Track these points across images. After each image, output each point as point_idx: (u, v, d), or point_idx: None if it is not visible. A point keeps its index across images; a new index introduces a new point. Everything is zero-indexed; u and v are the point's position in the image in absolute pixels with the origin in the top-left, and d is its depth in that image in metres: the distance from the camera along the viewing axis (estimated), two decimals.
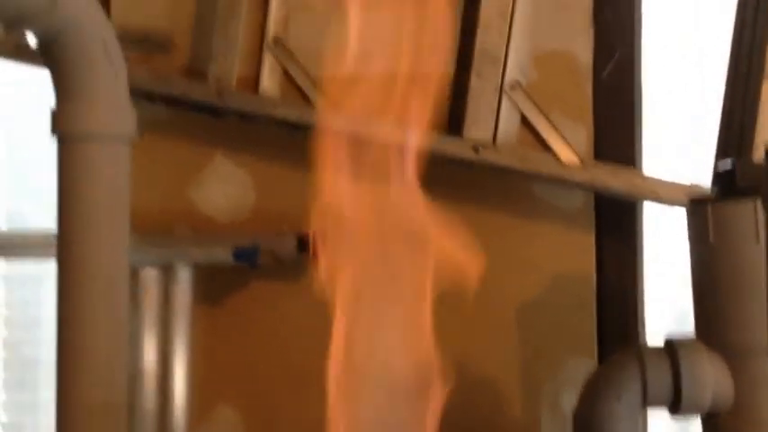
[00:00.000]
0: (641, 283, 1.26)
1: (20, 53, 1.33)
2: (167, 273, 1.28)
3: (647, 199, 1.21)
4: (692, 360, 0.79)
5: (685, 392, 0.78)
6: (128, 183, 0.88)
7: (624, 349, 0.83)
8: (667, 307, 1.38)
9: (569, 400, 1.25)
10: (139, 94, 1.22)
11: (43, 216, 1.63)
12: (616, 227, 1.26)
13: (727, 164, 0.86)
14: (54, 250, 0.88)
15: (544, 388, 1.27)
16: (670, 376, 0.79)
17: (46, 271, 1.76)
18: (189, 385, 1.31)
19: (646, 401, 0.79)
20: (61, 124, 0.83)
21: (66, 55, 0.81)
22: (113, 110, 0.85)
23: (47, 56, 0.81)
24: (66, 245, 0.87)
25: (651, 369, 0.79)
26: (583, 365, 1.23)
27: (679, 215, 1.16)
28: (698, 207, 0.84)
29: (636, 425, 0.82)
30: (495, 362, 1.27)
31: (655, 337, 1.31)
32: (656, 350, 0.81)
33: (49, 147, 0.88)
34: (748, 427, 0.79)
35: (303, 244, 1.24)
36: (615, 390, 0.79)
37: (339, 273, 1.24)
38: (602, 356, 1.24)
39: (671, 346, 0.80)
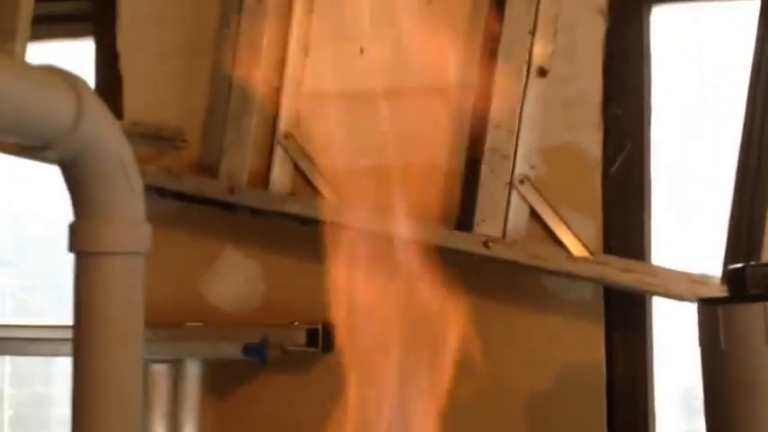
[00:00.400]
0: (651, 375, 1.26)
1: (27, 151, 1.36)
2: (177, 367, 1.29)
3: (656, 294, 1.21)
4: None
5: None
6: (141, 293, 0.89)
7: None
8: (677, 398, 1.38)
9: None
10: (151, 189, 1.24)
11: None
12: (625, 319, 1.26)
13: (737, 267, 0.87)
14: (65, 347, 0.89)
15: None
16: None
17: (54, 370, 1.76)
18: None
19: None
20: (79, 243, 0.85)
21: (84, 175, 0.82)
22: (130, 227, 0.86)
23: (65, 176, 0.83)
24: (82, 354, 0.88)
25: None
26: None
27: (688, 309, 1.18)
28: (708, 308, 0.84)
29: None
30: None
31: (665, 429, 1.31)
32: None
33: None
34: None
35: (312, 337, 1.25)
36: None
37: (353, 364, 1.25)
38: None
39: None
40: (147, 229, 0.87)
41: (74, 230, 0.86)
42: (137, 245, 0.85)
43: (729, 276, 0.91)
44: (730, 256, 1.08)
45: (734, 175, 1.14)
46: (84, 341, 0.87)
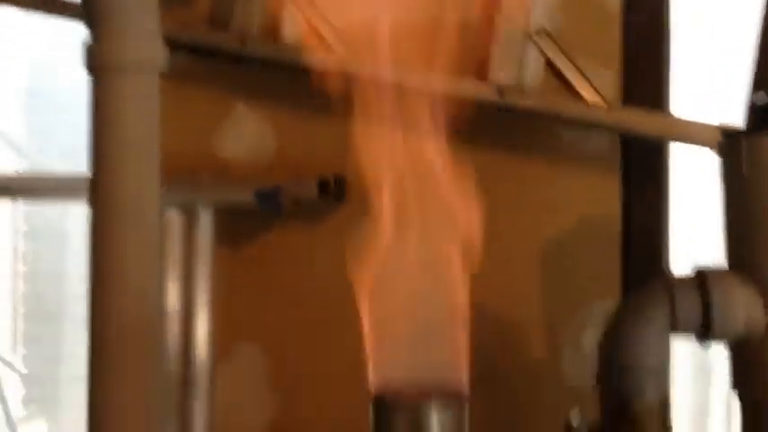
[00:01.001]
0: (667, 226, 1.27)
1: (48, 5, 1.35)
2: (189, 216, 1.29)
3: (676, 140, 1.21)
4: (723, 287, 0.79)
5: (716, 319, 0.79)
6: (158, 112, 0.89)
7: (653, 280, 0.84)
8: (693, 249, 1.38)
9: (592, 342, 1.26)
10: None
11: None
12: (643, 169, 1.26)
13: (761, 97, 0.86)
14: (78, 194, 0.89)
15: (567, 329, 1.28)
16: (700, 303, 0.79)
17: (68, 224, 1.78)
18: (211, 326, 1.33)
19: (674, 327, 0.80)
20: (95, 57, 0.84)
21: None
22: (145, 42, 0.86)
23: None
24: (100, 173, 0.87)
25: (680, 294, 0.79)
26: (606, 307, 1.24)
27: (707, 157, 1.17)
28: (731, 141, 0.84)
29: (663, 352, 0.83)
30: (519, 304, 1.28)
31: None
32: (685, 278, 0.81)
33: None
34: None
35: (324, 188, 1.25)
36: (643, 315, 0.80)
37: (372, 216, 1.25)
38: None
39: (701, 275, 0.81)
40: (162, 44, 0.87)
41: (90, 48, 0.85)
42: (152, 60, 0.85)
43: (753, 105, 0.90)
44: (755, 93, 1.07)
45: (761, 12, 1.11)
46: (100, 162, 0.87)
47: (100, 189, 0.87)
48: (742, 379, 0.83)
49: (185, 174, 1.33)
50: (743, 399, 0.84)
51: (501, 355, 1.27)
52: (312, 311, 1.34)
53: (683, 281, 0.80)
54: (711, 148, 1.07)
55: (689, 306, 0.79)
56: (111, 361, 0.74)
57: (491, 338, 1.27)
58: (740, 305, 0.79)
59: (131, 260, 0.84)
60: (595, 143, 1.25)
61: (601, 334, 0.82)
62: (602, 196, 1.26)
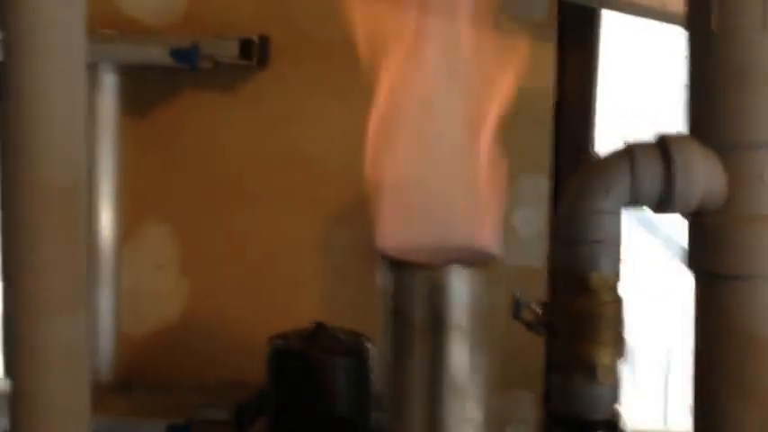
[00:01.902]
0: (595, 99, 1.23)
1: None
2: (89, 77, 1.17)
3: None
4: (685, 154, 0.74)
5: (678, 187, 0.74)
6: None
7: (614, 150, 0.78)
8: (629, 121, 1.35)
9: (520, 217, 1.23)
10: None
11: None
12: (578, 39, 1.21)
13: None
14: None
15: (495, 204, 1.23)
16: (661, 171, 0.74)
17: None
18: (116, 201, 1.23)
19: (634, 197, 0.75)
20: None
21: None
22: None
23: None
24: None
25: (642, 162, 0.74)
26: (536, 181, 1.20)
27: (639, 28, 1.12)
28: None
29: (619, 224, 0.79)
30: (447, 178, 1.23)
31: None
32: (647, 145, 0.76)
33: None
34: (739, 223, 0.76)
35: (247, 49, 1.15)
36: (603, 184, 0.75)
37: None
38: (557, 172, 1.21)
39: (663, 141, 0.76)
40: None
41: None
42: None
43: None
44: None
45: None
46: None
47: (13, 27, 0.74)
48: (698, 251, 0.80)
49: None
50: (698, 273, 0.80)
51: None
52: (228, 189, 1.25)
53: (644, 148, 0.75)
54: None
55: (651, 175, 0.74)
56: (31, 235, 0.64)
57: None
58: (702, 174, 0.75)
59: (54, 121, 0.73)
60: (531, 11, 1.19)
61: (560, 207, 0.77)
62: (537, 67, 1.20)
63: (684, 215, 0.79)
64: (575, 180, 0.78)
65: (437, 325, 0.43)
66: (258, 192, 1.24)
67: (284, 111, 1.22)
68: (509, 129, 1.25)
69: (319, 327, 0.72)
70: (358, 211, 1.24)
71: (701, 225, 0.77)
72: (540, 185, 1.20)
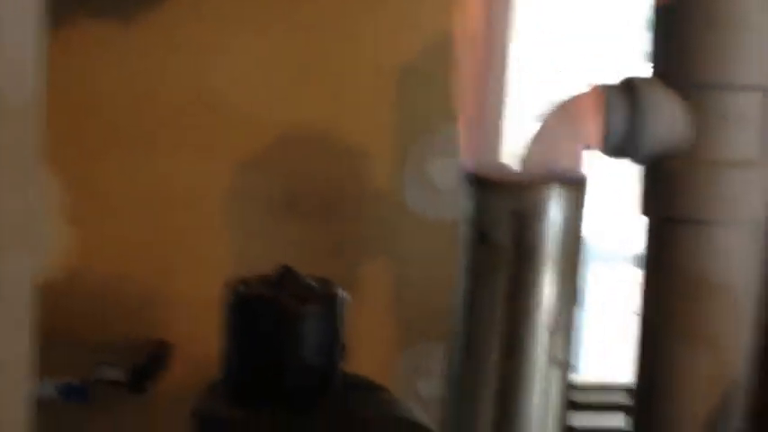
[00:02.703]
0: (509, 42, 1.20)
1: None
2: None
3: None
4: (652, 97, 0.73)
5: (643, 131, 0.73)
6: None
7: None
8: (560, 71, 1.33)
9: (438, 169, 1.20)
10: None
11: None
12: None
13: None
14: None
15: (413, 155, 1.20)
16: (629, 114, 0.73)
17: None
18: None
19: (602, 143, 0.73)
20: None
21: None
22: None
23: None
24: None
25: (611, 106, 0.72)
26: (454, 129, 1.17)
27: None
28: None
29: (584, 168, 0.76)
30: (363, 127, 1.18)
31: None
32: (614, 87, 0.74)
33: None
34: (702, 167, 0.75)
35: None
36: (572, 128, 0.72)
37: None
38: None
39: (629, 84, 0.74)
40: None
41: None
42: None
43: None
44: None
45: None
46: None
47: None
48: (655, 197, 0.78)
49: None
50: (653, 219, 0.79)
51: (348, 181, 1.18)
52: (126, 132, 1.16)
53: (611, 90, 0.73)
54: None
55: (618, 121, 0.72)
56: None
57: (338, 165, 1.17)
58: (668, 117, 0.73)
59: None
60: None
61: (524, 148, 0.74)
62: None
63: (644, 161, 0.78)
64: (542, 124, 0.75)
65: (528, 252, 0.39)
66: (160, 134, 1.15)
67: (191, 43, 1.13)
68: (433, 77, 1.22)
69: (286, 272, 0.67)
70: (273, 156, 1.18)
71: (661, 170, 0.76)
72: (458, 133, 1.17)
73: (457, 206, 1.16)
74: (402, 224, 1.19)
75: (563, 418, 0.41)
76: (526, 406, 0.38)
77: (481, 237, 0.39)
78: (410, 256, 1.19)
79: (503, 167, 0.43)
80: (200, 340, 1.15)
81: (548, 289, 0.38)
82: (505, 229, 0.38)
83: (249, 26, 1.13)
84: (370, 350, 1.18)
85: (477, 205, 0.40)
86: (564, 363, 0.39)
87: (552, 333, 0.38)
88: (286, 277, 0.66)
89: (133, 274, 1.18)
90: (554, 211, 0.39)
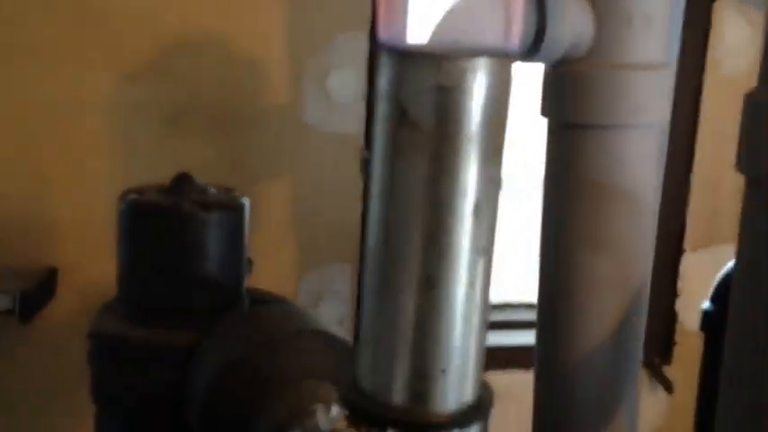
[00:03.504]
0: None
1: None
2: None
3: None
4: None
5: (549, 31, 0.71)
6: None
7: None
8: None
9: (337, 81, 1.16)
10: None
11: None
12: None
13: None
14: None
15: (310, 67, 1.15)
16: (534, 13, 0.71)
17: None
18: None
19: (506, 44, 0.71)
20: None
21: None
22: None
23: None
24: None
25: (515, 7, 0.70)
26: (354, 41, 1.13)
27: None
28: None
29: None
30: (257, 37, 1.13)
31: None
32: None
33: None
34: (603, 71, 0.73)
35: None
36: (479, 32, 0.70)
37: None
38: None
39: None
40: None
41: None
42: None
43: None
44: None
45: None
46: None
47: None
48: (556, 101, 0.77)
49: None
50: (554, 123, 0.78)
51: (249, 96, 1.13)
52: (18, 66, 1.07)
53: None
54: None
55: (524, 21, 0.70)
56: None
57: (231, 77, 1.12)
58: (573, 18, 0.71)
59: None
60: None
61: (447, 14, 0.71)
62: None
63: (548, 63, 0.76)
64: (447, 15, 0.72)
65: (452, 131, 0.36)
66: (39, 44, 1.07)
67: None
68: None
69: (182, 178, 0.62)
70: (154, 64, 1.11)
71: (563, 74, 0.74)
72: (358, 45, 1.13)
73: (359, 119, 1.13)
74: (300, 139, 1.15)
75: (487, 318, 0.39)
76: (452, 298, 0.36)
77: (401, 114, 0.36)
78: (309, 173, 1.16)
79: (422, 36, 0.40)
80: (88, 263, 1.10)
81: (472, 171, 0.36)
82: (427, 104, 0.35)
83: None
84: (270, 272, 1.15)
85: (396, 79, 0.36)
86: (489, 251, 0.37)
87: (477, 219, 0.36)
88: (184, 184, 0.62)
89: (12, 195, 1.11)
90: (480, 85, 0.36)
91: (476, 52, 0.38)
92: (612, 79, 0.74)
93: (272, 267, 1.14)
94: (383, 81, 0.36)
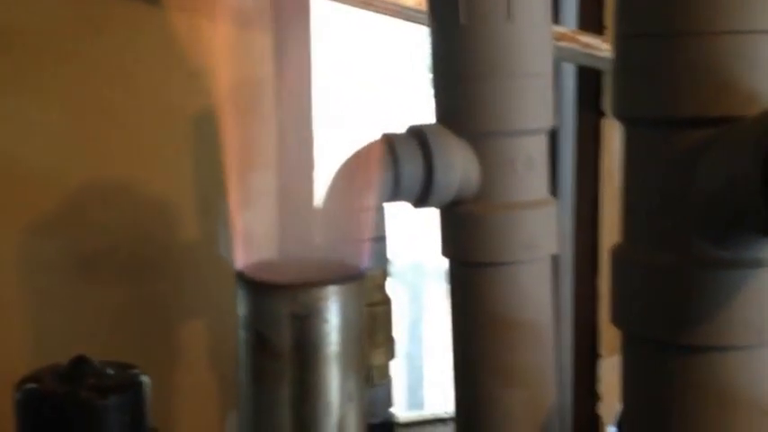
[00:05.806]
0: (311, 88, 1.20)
1: None
2: None
3: None
4: (442, 143, 0.74)
5: (438, 177, 0.74)
6: None
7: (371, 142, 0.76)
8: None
9: (250, 217, 1.17)
10: None
11: None
12: (293, 29, 1.17)
13: None
14: None
15: (221, 203, 1.17)
16: (421, 162, 0.74)
17: None
18: None
19: (396, 191, 0.74)
20: None
21: None
22: None
23: None
24: None
25: (402, 155, 0.73)
26: (264, 178, 1.15)
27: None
28: None
29: (384, 220, 0.77)
30: (167, 180, 1.14)
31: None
32: (403, 136, 0.75)
33: None
34: (491, 211, 0.77)
35: None
36: (366, 180, 0.72)
37: None
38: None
39: (418, 132, 0.75)
40: None
41: None
42: None
43: None
44: None
45: None
46: None
47: None
48: (451, 241, 0.80)
49: None
50: (452, 262, 0.81)
51: (154, 236, 1.13)
52: None
53: (401, 140, 0.74)
54: None
55: (412, 167, 0.73)
56: None
57: (143, 220, 1.12)
58: (459, 162, 0.75)
59: None
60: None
61: (322, 200, 0.74)
62: (255, 59, 1.15)
63: (440, 206, 0.79)
64: (336, 176, 0.75)
65: (310, 354, 0.37)
66: None
67: None
68: (233, 126, 1.19)
69: (80, 361, 0.63)
70: (66, 218, 1.11)
71: (454, 215, 0.77)
72: (268, 181, 1.15)
73: (271, 254, 1.14)
74: (216, 276, 1.16)
75: None
76: None
77: (261, 342, 0.37)
78: (227, 309, 1.16)
79: (279, 264, 0.42)
80: None
81: (335, 388, 0.37)
82: (285, 332, 0.37)
83: (24, 88, 1.06)
84: (194, 413, 1.15)
85: (253, 308, 0.39)
86: None
87: (340, 427, 0.38)
88: (81, 367, 0.63)
89: None
90: (333, 309, 0.38)
91: (327, 278, 0.40)
92: (502, 219, 0.77)
93: (197, 408, 1.14)
94: (243, 310, 0.38)
